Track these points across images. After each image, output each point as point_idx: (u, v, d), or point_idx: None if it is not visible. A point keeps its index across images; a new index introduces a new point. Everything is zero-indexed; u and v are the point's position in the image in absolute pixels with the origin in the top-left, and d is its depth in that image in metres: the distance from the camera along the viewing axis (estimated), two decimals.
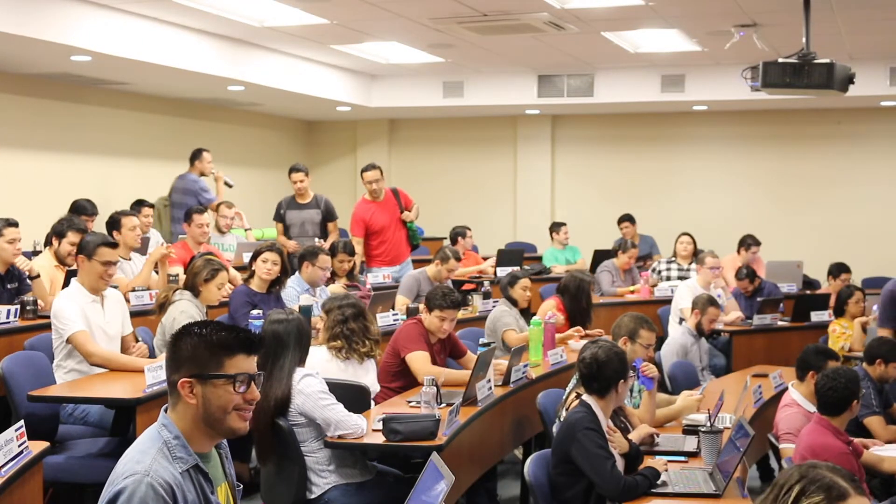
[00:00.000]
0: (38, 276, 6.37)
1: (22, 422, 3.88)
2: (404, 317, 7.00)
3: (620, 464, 4.07)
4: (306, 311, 6.20)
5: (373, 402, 5.08)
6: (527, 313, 7.22)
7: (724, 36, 9.07)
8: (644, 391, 4.88)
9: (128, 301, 6.75)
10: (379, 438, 4.26)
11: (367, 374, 5.15)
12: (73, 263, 6.66)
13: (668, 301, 8.70)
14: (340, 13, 8.69)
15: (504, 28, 9.08)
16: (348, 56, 11.02)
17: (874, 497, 4.63)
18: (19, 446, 3.71)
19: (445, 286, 6.33)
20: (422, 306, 5.86)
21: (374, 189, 8.97)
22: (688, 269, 9.69)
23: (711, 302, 7.12)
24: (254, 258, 6.66)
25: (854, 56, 10.42)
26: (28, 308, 6.05)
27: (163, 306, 5.86)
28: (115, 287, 6.77)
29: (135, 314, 6.48)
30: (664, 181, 13.48)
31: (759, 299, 8.64)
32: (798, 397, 5.03)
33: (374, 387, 5.22)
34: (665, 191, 13.44)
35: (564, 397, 4.56)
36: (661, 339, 7.38)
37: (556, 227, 11.21)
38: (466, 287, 8.58)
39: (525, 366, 5.67)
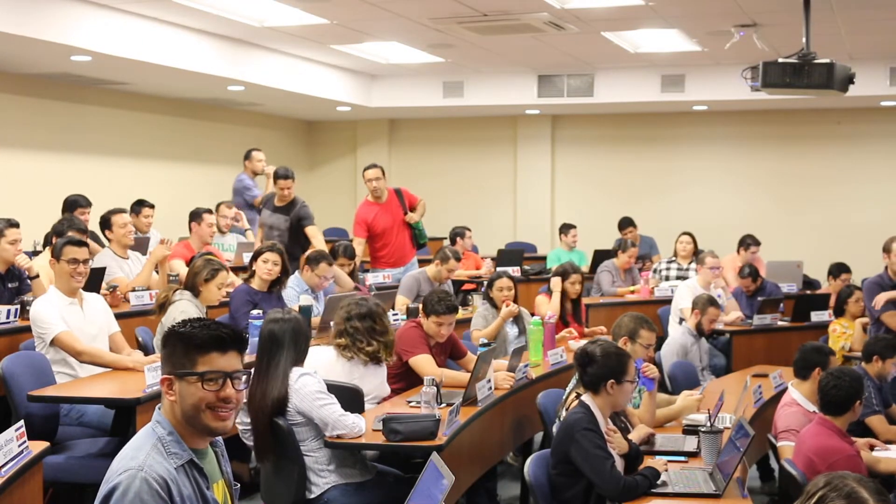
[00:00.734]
0: (38, 275, 6.37)
1: (22, 422, 3.88)
2: (404, 317, 7.00)
3: (620, 464, 4.07)
4: (306, 311, 6.21)
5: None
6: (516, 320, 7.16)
7: (724, 36, 9.07)
8: (644, 391, 4.88)
9: (127, 301, 6.78)
10: (379, 438, 4.26)
11: (373, 377, 5.04)
12: None
13: (668, 301, 8.70)
14: (340, 13, 8.69)
15: (504, 28, 9.08)
16: (348, 56, 11.02)
17: None
18: (19, 446, 3.70)
19: (441, 291, 6.29)
20: (422, 316, 5.85)
21: (374, 188, 8.90)
22: (688, 269, 9.69)
23: (711, 302, 7.12)
24: (254, 258, 6.67)
25: (854, 56, 10.42)
26: (28, 308, 6.04)
27: (163, 306, 5.86)
28: (114, 288, 6.84)
29: (135, 314, 6.50)
30: (664, 181, 13.48)
31: (759, 299, 8.64)
32: (798, 397, 5.03)
33: (381, 390, 5.12)
34: (665, 191, 13.45)
35: (564, 397, 4.55)
36: (661, 339, 7.37)
37: (565, 229, 11.18)
38: (466, 287, 8.57)
39: (525, 366, 5.67)
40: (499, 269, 9.50)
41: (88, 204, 8.08)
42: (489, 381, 5.09)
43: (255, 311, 5.86)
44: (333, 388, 4.50)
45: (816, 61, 7.00)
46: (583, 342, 4.92)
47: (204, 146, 12.39)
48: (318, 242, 8.51)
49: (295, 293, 6.93)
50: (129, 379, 5.00)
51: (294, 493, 4.28)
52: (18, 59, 8.80)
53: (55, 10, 7.86)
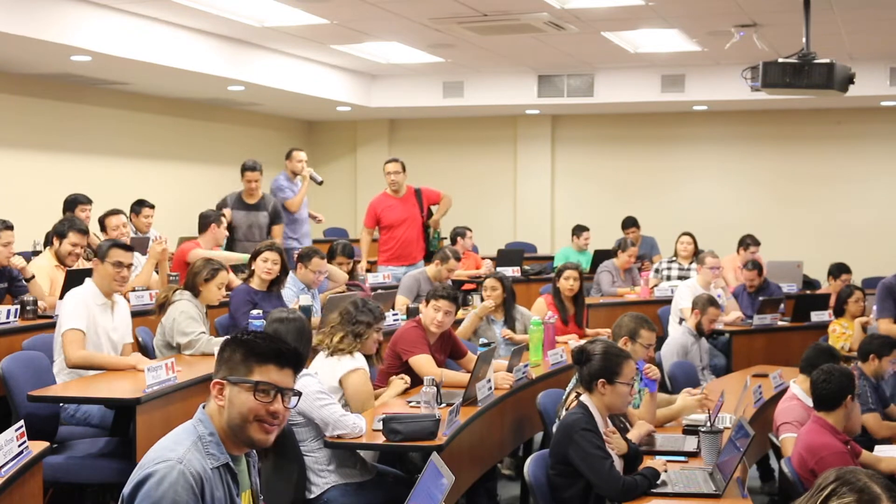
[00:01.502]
0: (33, 277, 6.37)
1: (22, 422, 3.88)
2: (404, 317, 7.00)
3: (619, 464, 4.07)
4: (306, 310, 6.21)
5: None
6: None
7: (724, 36, 9.07)
8: (645, 392, 4.88)
9: (127, 300, 6.77)
10: (379, 438, 4.26)
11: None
12: (74, 263, 6.67)
13: (668, 301, 8.70)
14: (340, 13, 8.69)
15: (504, 28, 9.08)
16: (348, 56, 11.02)
17: None
18: (19, 446, 3.70)
19: (445, 283, 6.35)
20: (422, 305, 5.87)
21: (392, 181, 8.99)
22: (688, 269, 9.69)
23: (711, 302, 7.12)
24: (253, 258, 6.66)
25: (854, 56, 10.41)
26: (28, 308, 6.05)
27: (163, 306, 5.86)
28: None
29: (135, 314, 6.47)
30: (664, 181, 13.48)
31: (760, 298, 8.64)
32: (799, 392, 5.03)
33: None
34: (665, 191, 13.44)
35: (564, 397, 4.56)
36: (661, 339, 7.38)
37: (578, 231, 11.17)
38: (466, 287, 8.58)
39: (525, 366, 5.67)
40: (497, 269, 9.52)
41: (89, 201, 8.08)
42: (489, 381, 5.09)
43: (255, 311, 5.85)
44: None
45: (816, 61, 7.00)
46: (583, 342, 4.91)
47: (204, 146, 12.39)
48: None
49: (293, 293, 6.92)
50: (130, 379, 4.99)
51: (294, 493, 4.28)
52: (18, 59, 8.80)
53: (55, 10, 7.86)
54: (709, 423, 4.38)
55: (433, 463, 2.96)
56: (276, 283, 6.61)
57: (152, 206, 8.89)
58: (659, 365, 7.20)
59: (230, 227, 8.58)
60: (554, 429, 4.43)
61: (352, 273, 7.98)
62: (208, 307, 6.04)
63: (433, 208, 9.38)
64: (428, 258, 9.07)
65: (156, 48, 8.90)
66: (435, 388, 4.58)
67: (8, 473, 3.54)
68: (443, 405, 4.72)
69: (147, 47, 8.80)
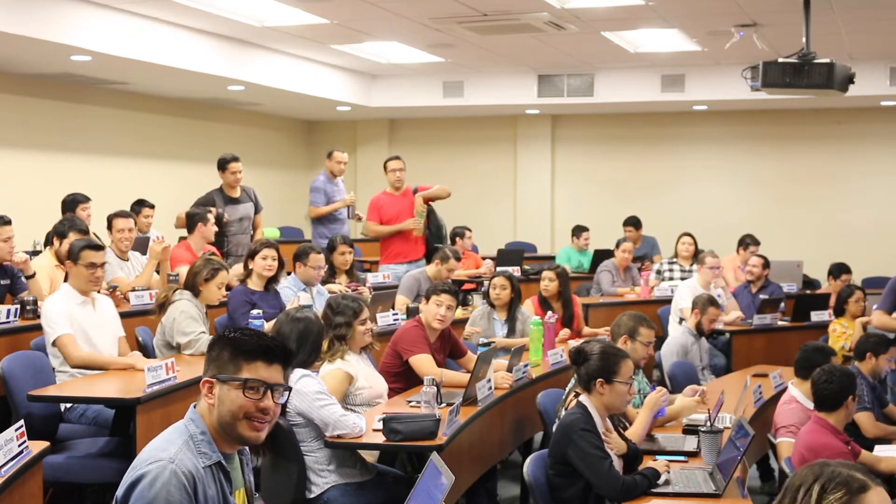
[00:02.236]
0: (34, 274, 6.37)
1: (22, 422, 3.88)
2: (404, 317, 7.00)
3: (619, 464, 4.07)
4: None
5: None
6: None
7: (724, 36, 9.07)
8: (647, 410, 4.70)
9: (127, 301, 6.78)
10: (379, 438, 4.26)
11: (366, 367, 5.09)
12: None
13: (668, 301, 8.70)
14: (340, 13, 8.69)
15: (504, 28, 9.08)
16: (348, 56, 11.02)
17: None
18: (19, 446, 3.70)
19: (445, 281, 6.36)
20: (422, 304, 5.87)
21: (397, 178, 9.01)
22: (690, 270, 9.69)
23: (711, 302, 7.12)
24: (250, 256, 6.65)
25: (854, 56, 10.41)
26: (28, 308, 6.04)
27: (163, 306, 5.85)
28: (115, 288, 6.84)
29: (135, 314, 6.49)
30: (664, 181, 13.48)
31: (761, 297, 8.65)
32: (798, 394, 5.04)
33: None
34: (665, 191, 13.45)
35: (564, 397, 4.55)
36: (661, 339, 7.38)
37: (577, 232, 11.19)
38: (466, 287, 8.57)
39: (525, 366, 5.67)
40: (499, 268, 9.51)
41: (87, 199, 8.08)
42: (489, 380, 5.09)
43: (255, 311, 5.85)
44: None
45: (816, 61, 7.00)
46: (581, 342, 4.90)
47: (204, 146, 12.36)
48: (261, 231, 8.85)
49: (292, 292, 6.91)
50: (130, 379, 5.00)
51: (294, 493, 4.28)
52: (18, 59, 8.80)
53: (55, 10, 7.86)
54: (709, 423, 4.37)
55: (433, 463, 2.96)
56: (273, 280, 6.62)
57: (152, 206, 8.89)
58: (659, 365, 7.22)
59: (223, 224, 8.49)
60: (553, 429, 4.43)
61: (350, 270, 7.96)
62: (208, 307, 6.03)
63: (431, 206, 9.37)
64: (427, 245, 9.09)
65: (156, 48, 8.91)
66: (435, 388, 4.58)
67: (8, 473, 3.54)
68: (443, 405, 4.72)
69: (147, 47, 8.81)
